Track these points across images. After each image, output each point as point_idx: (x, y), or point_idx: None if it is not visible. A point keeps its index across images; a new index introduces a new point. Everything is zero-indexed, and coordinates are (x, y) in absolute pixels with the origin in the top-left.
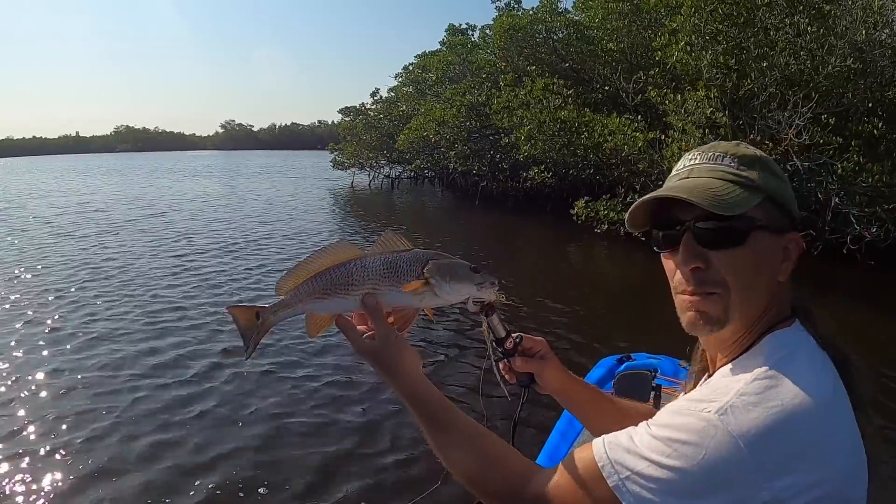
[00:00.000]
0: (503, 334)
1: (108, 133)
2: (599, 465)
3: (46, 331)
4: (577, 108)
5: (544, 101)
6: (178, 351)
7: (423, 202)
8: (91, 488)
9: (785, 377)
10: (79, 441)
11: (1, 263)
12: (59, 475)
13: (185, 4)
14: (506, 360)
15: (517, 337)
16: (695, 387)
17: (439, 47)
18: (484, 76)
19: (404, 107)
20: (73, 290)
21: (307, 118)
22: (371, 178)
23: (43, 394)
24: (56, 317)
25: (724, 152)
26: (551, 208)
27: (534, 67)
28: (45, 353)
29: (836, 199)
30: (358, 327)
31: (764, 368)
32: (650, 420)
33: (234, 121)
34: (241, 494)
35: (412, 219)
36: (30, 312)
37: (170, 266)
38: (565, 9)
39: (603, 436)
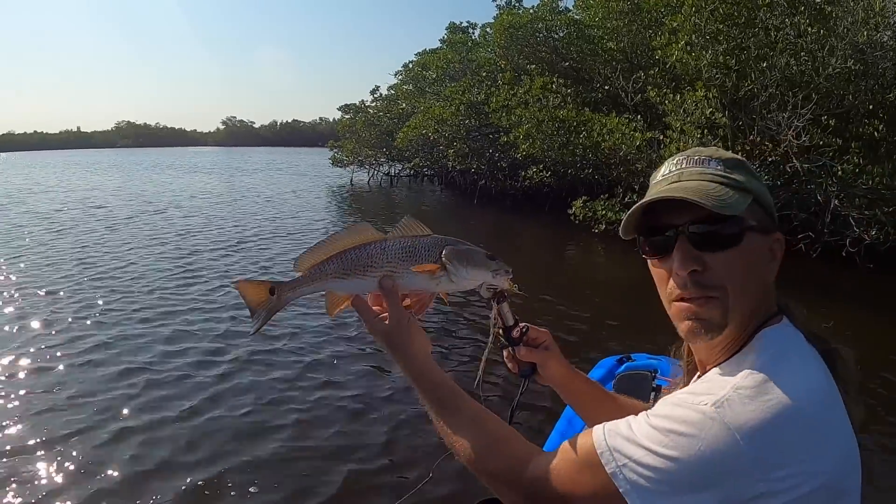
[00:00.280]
0: (511, 322)
1: (109, 128)
2: (598, 451)
3: (44, 327)
4: (577, 108)
5: (543, 99)
6: (177, 349)
7: (422, 200)
8: (82, 485)
9: (779, 371)
10: (72, 439)
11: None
12: (51, 472)
13: (188, 0)
14: (511, 348)
15: (524, 327)
16: (687, 384)
17: (440, 45)
18: (484, 74)
19: (404, 105)
20: (71, 287)
21: (309, 115)
22: (370, 175)
23: (39, 390)
24: (55, 313)
25: (709, 156)
26: (550, 208)
27: (534, 66)
28: (41, 349)
29: (836, 202)
30: (373, 308)
31: (758, 364)
32: (649, 410)
33: (235, 117)
34: (232, 493)
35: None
36: (28, 309)
37: (169, 263)
38: (566, 7)
39: (603, 423)
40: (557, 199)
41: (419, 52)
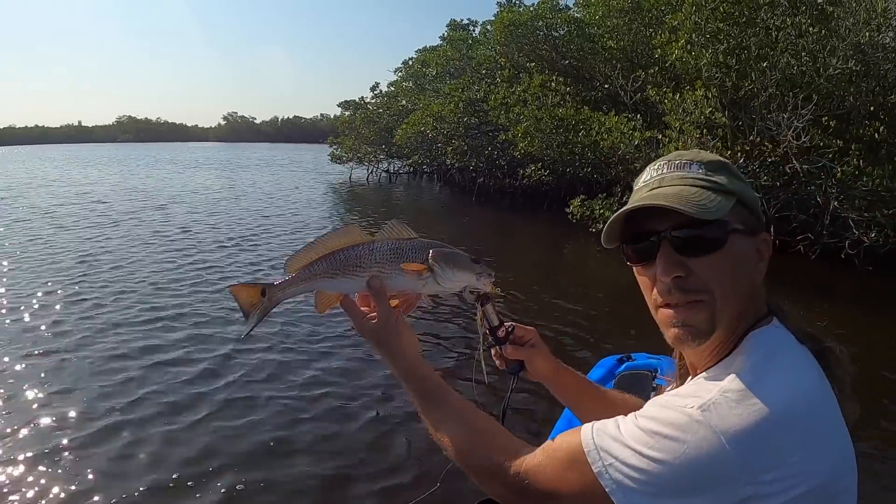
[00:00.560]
0: (497, 323)
1: (111, 123)
2: (585, 450)
3: (42, 323)
4: (576, 106)
5: (542, 97)
6: (174, 346)
7: (421, 198)
8: (81, 486)
9: (767, 374)
10: (69, 438)
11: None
12: (47, 471)
13: None
14: (498, 347)
15: (510, 326)
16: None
17: (441, 43)
18: (484, 72)
19: (404, 101)
20: (70, 282)
21: (310, 112)
22: (369, 172)
23: (34, 386)
24: (52, 309)
25: (690, 160)
26: (548, 206)
27: (533, 64)
28: (37, 344)
29: (836, 203)
30: (361, 308)
31: (747, 367)
32: (638, 411)
33: (236, 113)
34: (228, 497)
35: (407, 214)
36: (26, 304)
37: (168, 259)
38: (566, 5)
39: (592, 422)
40: (556, 198)
41: (420, 49)
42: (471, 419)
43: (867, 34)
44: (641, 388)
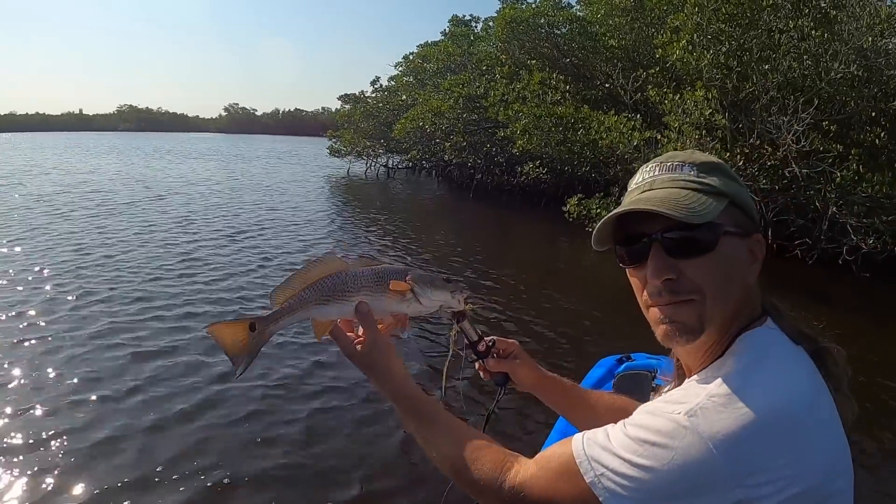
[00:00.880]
0: (475, 338)
1: (111, 112)
2: (577, 461)
3: (36, 315)
4: (575, 104)
5: (542, 95)
6: (174, 346)
7: (418, 193)
8: (64, 477)
9: (756, 377)
10: (55, 428)
11: None
12: (37, 467)
13: None
14: (480, 361)
15: (490, 340)
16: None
17: (441, 38)
18: (484, 68)
19: (405, 96)
20: (65, 272)
21: (312, 105)
22: (367, 166)
23: (23, 374)
24: (48, 302)
25: (683, 161)
26: (546, 205)
27: (534, 61)
28: (32, 336)
29: (834, 209)
30: (348, 334)
31: (736, 370)
32: (627, 419)
33: (237, 104)
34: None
35: (405, 210)
36: (21, 296)
37: (163, 250)
38: (568, 3)
39: (583, 432)
40: (554, 196)
41: (421, 44)
42: (463, 435)
43: (870, 39)
44: (641, 388)
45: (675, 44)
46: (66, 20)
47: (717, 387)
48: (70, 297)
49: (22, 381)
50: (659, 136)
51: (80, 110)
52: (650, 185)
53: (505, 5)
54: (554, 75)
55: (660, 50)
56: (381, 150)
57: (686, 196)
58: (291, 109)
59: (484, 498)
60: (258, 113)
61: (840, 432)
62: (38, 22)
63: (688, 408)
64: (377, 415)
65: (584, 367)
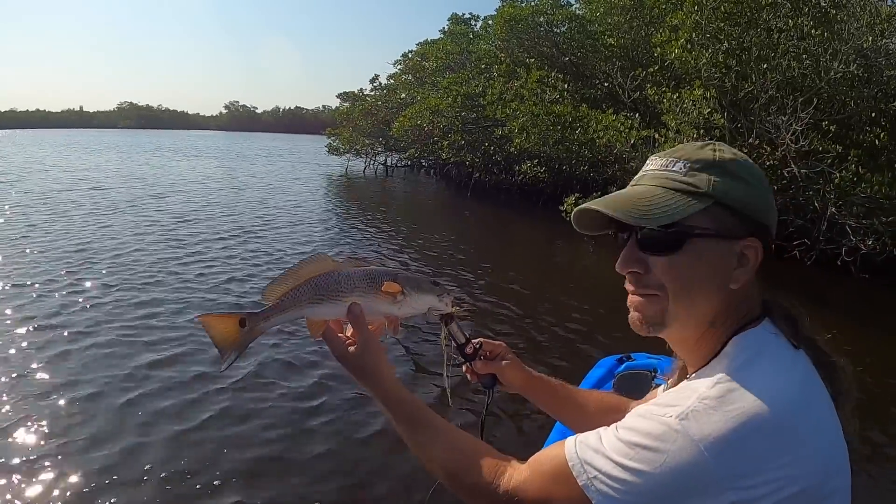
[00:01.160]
0: (463, 340)
1: (112, 109)
2: (570, 464)
3: (35, 312)
4: (574, 103)
5: (539, 93)
6: (172, 346)
7: (416, 192)
8: (59, 480)
9: (747, 379)
10: (51, 432)
11: None
12: (24, 467)
13: None
14: (468, 364)
15: (477, 343)
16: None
17: (441, 36)
18: (483, 66)
19: (404, 94)
20: (64, 272)
21: (312, 103)
22: (366, 165)
23: (23, 374)
24: (47, 297)
25: (679, 157)
26: (544, 204)
27: (533, 60)
28: (30, 332)
29: (833, 209)
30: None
31: (727, 371)
32: (619, 422)
33: (238, 102)
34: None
35: (402, 209)
36: (18, 294)
37: (165, 250)
38: (567, 1)
39: (576, 435)
40: (552, 195)
41: (420, 42)
42: (455, 440)
43: (870, 38)
44: (641, 387)
45: (673, 42)
46: (68, 17)
47: (708, 389)
48: (67, 295)
49: (14, 379)
50: (657, 136)
51: (81, 107)
52: (639, 179)
53: (504, 3)
54: (552, 74)
55: (658, 49)
56: (379, 149)
57: (656, 196)
58: (292, 107)
59: (479, 502)
60: (259, 111)
61: (837, 432)
62: (38, 17)
63: (679, 411)
64: (369, 417)
65: (583, 367)
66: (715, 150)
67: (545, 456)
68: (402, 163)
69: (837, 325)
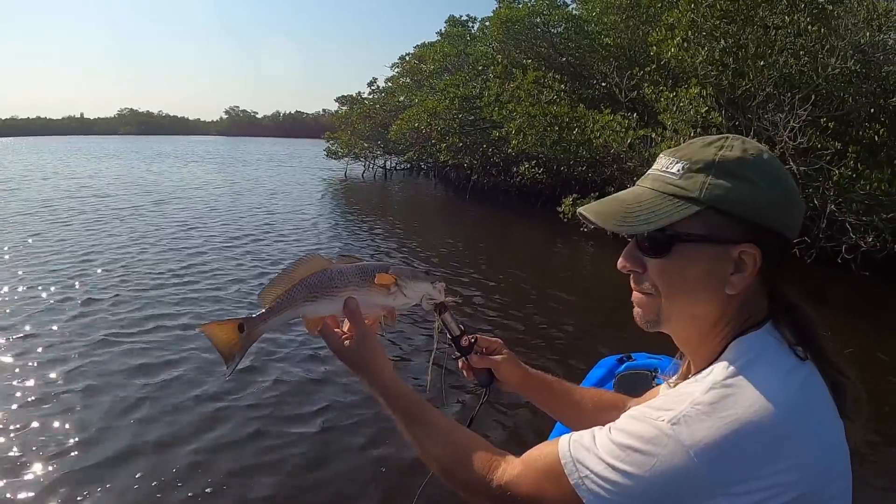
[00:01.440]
0: (458, 332)
1: (112, 115)
2: (562, 461)
3: (34, 322)
4: (571, 104)
5: (536, 94)
6: (174, 355)
7: (415, 195)
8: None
9: (742, 384)
10: (56, 448)
11: None
12: (31, 482)
13: None
14: (463, 357)
15: (473, 337)
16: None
17: (438, 38)
18: (480, 68)
19: (402, 97)
20: (65, 279)
21: (312, 106)
22: (365, 168)
23: (24, 391)
24: (46, 309)
25: (681, 157)
26: (542, 205)
27: (530, 61)
28: (30, 345)
29: (833, 206)
30: (335, 331)
31: (722, 377)
32: (613, 423)
33: (238, 107)
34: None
35: (401, 212)
36: (20, 302)
37: (168, 257)
38: (564, 2)
39: (570, 433)
40: (550, 196)
41: (417, 45)
42: (452, 434)
43: (868, 34)
44: (641, 387)
45: (669, 41)
46: (68, 24)
47: (702, 394)
48: (69, 303)
49: (18, 391)
50: (654, 135)
51: (81, 114)
52: (642, 179)
53: (501, 5)
54: (549, 74)
55: (654, 47)
56: (378, 152)
57: (645, 201)
58: (292, 112)
59: (473, 497)
60: (259, 115)
61: (839, 437)
62: (38, 24)
63: (672, 415)
64: (361, 416)
65: (584, 367)
66: (721, 148)
67: (539, 452)
68: (401, 166)
69: (838, 322)
